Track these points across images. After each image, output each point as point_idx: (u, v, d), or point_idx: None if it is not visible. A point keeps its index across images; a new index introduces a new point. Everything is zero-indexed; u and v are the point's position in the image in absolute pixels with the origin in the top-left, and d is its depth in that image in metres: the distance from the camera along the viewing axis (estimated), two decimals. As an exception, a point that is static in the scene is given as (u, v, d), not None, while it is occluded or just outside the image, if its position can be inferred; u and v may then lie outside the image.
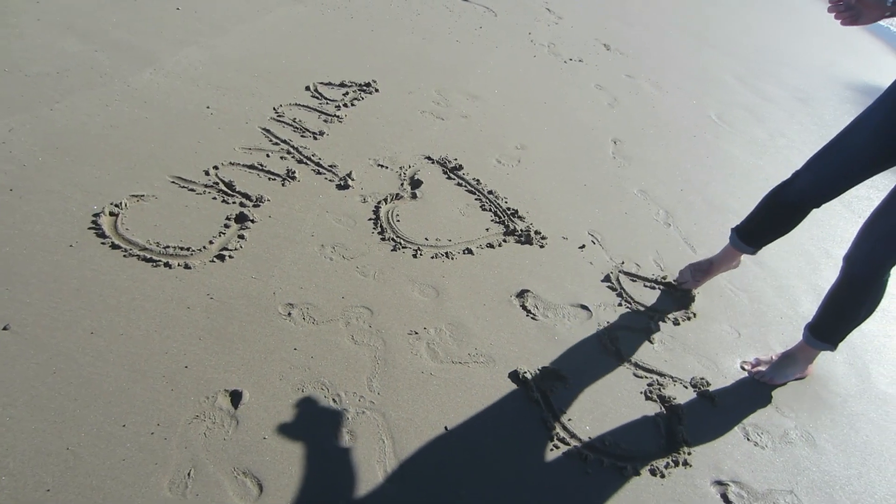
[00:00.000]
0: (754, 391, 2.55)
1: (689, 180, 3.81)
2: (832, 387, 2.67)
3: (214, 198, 2.77)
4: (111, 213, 2.56)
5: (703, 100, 5.06)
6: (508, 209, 3.16)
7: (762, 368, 2.63)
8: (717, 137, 4.46)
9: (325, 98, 3.71)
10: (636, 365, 2.53)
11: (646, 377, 2.49)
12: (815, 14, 8.51)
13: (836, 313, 2.45)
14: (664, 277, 3.00)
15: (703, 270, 2.93)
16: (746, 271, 3.21)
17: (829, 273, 3.33)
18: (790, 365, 2.59)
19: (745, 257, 2.93)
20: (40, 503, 1.66)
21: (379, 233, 2.82)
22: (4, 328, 2.04)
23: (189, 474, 1.79)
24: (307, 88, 3.74)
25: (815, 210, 2.47)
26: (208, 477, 1.80)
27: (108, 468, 1.76)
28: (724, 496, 2.12)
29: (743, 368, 2.67)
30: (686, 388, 2.49)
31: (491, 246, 2.91)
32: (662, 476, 2.13)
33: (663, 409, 2.38)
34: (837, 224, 3.82)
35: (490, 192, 3.25)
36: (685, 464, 2.18)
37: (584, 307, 2.73)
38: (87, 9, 3.95)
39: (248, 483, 1.81)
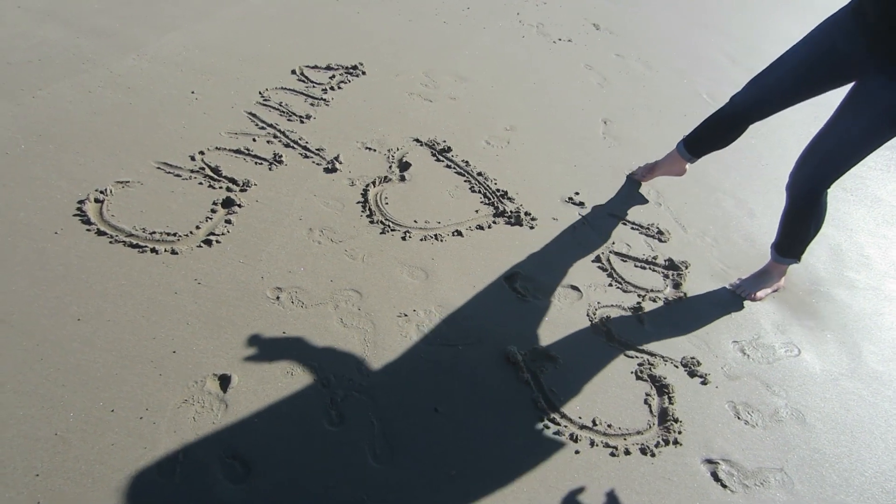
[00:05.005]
0: (745, 370, 2.56)
1: (679, 160, 3.80)
2: (823, 365, 2.68)
3: (201, 183, 2.75)
4: (96, 200, 2.54)
5: (694, 78, 5.03)
6: (498, 191, 3.15)
7: (741, 284, 2.97)
8: (708, 117, 4.44)
9: (312, 81, 3.67)
10: (627, 345, 2.53)
11: (636, 357, 2.49)
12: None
13: (789, 232, 2.80)
14: (655, 258, 3.00)
15: (648, 169, 3.43)
16: (739, 251, 3.21)
17: (823, 252, 3.34)
18: (766, 280, 2.95)
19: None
20: (30, 488, 1.66)
21: (367, 216, 2.80)
22: (-10, 316, 2.02)
23: (178, 458, 1.79)
24: (293, 72, 3.71)
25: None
26: (198, 460, 1.80)
27: (97, 453, 1.76)
28: (715, 474, 2.13)
29: (730, 287, 2.97)
30: (677, 367, 2.49)
31: (480, 228, 2.90)
32: (653, 455, 2.14)
33: (654, 388, 2.38)
34: (837, 206, 3.81)
35: (479, 174, 3.23)
36: (675, 443, 2.19)
37: (575, 288, 2.73)
38: (70, -6, 3.89)
39: (238, 466, 1.80)
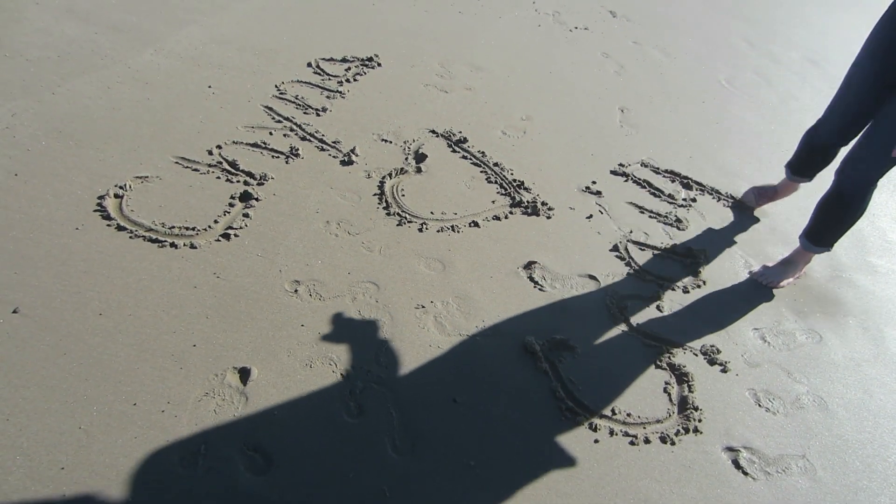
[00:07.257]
0: (765, 358, 2.53)
1: (698, 147, 3.75)
2: (845, 351, 2.65)
3: (218, 177, 2.76)
4: (116, 195, 2.57)
5: (712, 64, 4.96)
6: (514, 181, 3.13)
7: (764, 272, 2.92)
8: (727, 102, 4.39)
9: (327, 74, 3.68)
10: (645, 334, 2.51)
11: (655, 346, 2.47)
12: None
13: (827, 221, 2.74)
14: (673, 246, 2.97)
15: (767, 196, 3.34)
16: (759, 237, 3.17)
17: (844, 238, 3.28)
18: (791, 269, 2.90)
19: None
20: (55, 481, 1.69)
21: (384, 208, 2.80)
22: (14, 311, 2.06)
23: (200, 450, 1.81)
24: (309, 65, 3.71)
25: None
26: (219, 452, 1.81)
27: (121, 446, 1.78)
28: (736, 462, 2.11)
29: (750, 273, 2.95)
30: (696, 355, 2.47)
31: (497, 218, 2.89)
32: (673, 443, 2.12)
33: (673, 376, 2.37)
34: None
35: (496, 164, 3.22)
36: (696, 431, 2.18)
37: (593, 277, 2.71)
38: (86, -9, 3.93)
39: (259, 458, 1.82)
